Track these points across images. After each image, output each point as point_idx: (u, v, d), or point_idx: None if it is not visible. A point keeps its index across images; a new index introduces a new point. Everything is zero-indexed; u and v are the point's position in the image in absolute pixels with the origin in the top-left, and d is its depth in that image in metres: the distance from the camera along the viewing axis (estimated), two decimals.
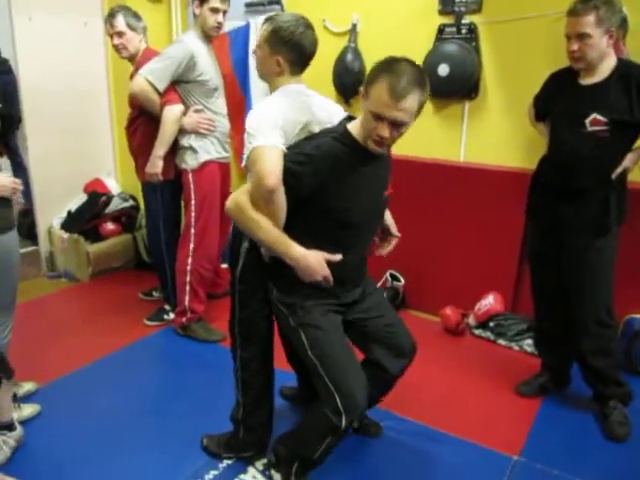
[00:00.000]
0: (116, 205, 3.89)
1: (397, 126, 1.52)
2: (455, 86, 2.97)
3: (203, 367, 2.69)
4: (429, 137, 3.13)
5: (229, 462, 2.05)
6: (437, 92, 2.84)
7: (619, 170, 2.10)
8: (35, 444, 2.11)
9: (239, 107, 3.64)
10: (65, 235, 3.75)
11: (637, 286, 2.63)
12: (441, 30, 3.01)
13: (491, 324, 2.99)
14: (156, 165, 2.74)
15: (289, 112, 1.69)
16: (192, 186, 2.81)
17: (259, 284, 1.83)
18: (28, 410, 2.25)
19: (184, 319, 2.93)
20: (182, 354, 2.82)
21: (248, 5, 3.70)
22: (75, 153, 3.90)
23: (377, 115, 1.49)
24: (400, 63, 1.51)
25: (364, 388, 1.68)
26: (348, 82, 3.26)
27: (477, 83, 2.99)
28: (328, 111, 1.82)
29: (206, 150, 2.81)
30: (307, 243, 1.62)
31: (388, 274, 3.26)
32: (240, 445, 2.04)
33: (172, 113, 2.68)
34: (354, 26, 3.25)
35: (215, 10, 2.66)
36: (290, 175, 1.57)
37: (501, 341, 2.93)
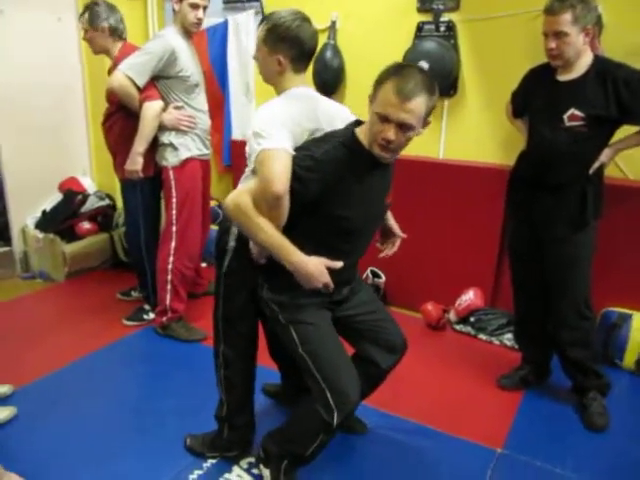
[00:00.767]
0: (92, 204, 3.82)
1: (403, 129, 1.48)
2: None
3: (185, 367, 2.65)
4: None
5: (213, 461, 2.03)
6: None
7: (596, 165, 2.14)
8: (12, 447, 2.06)
9: (218, 105, 3.62)
10: (40, 235, 3.68)
11: (614, 279, 2.69)
12: (420, 28, 3.03)
13: (472, 319, 3.02)
14: (136, 162, 2.70)
15: (297, 116, 1.64)
16: (173, 183, 2.77)
17: (245, 281, 1.82)
18: (4, 413, 2.20)
19: (165, 318, 2.88)
20: (163, 354, 2.78)
21: (226, 2, 3.69)
22: (49, 150, 3.83)
23: (383, 116, 1.47)
24: (409, 68, 1.51)
25: (356, 384, 1.66)
26: (328, 79, 3.26)
27: (456, 80, 3.02)
28: (330, 115, 1.74)
29: (187, 147, 2.77)
30: (305, 247, 1.59)
31: (369, 271, 3.27)
32: (224, 444, 2.02)
33: (152, 109, 2.65)
34: (333, 23, 3.26)
35: (195, 6, 2.64)
36: (297, 180, 1.53)
37: (482, 336, 2.97)
